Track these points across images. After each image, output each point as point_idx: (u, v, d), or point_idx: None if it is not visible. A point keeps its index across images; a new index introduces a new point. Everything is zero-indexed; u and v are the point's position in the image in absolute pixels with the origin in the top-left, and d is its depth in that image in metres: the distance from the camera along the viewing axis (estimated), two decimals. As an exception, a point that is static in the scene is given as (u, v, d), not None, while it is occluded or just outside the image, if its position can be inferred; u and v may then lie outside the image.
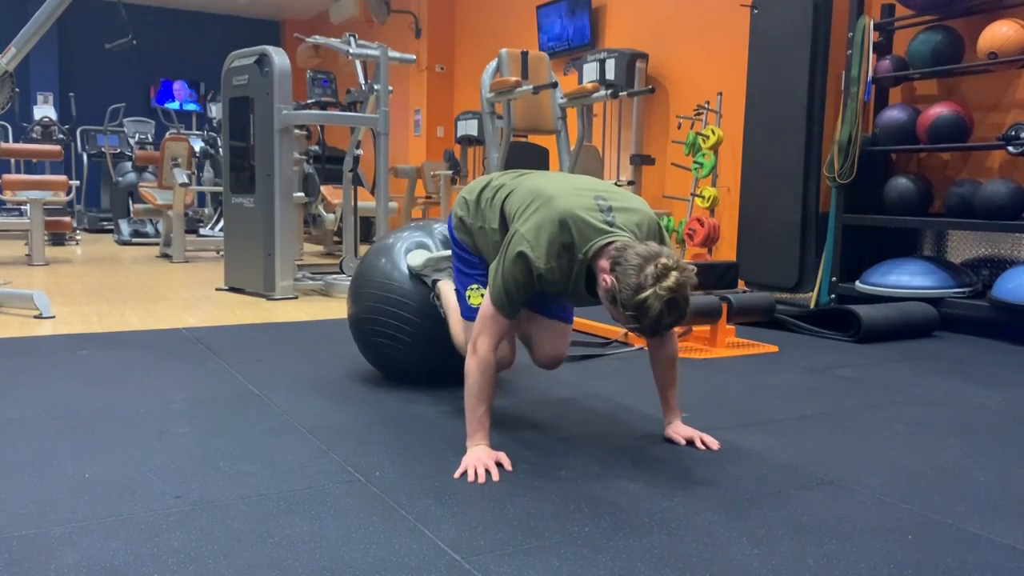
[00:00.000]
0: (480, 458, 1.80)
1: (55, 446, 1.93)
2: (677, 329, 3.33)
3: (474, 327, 1.88)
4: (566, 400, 2.47)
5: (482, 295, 2.08)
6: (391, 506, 1.60)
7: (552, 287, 1.84)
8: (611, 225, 1.79)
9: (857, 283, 4.16)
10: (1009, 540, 1.51)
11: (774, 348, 3.34)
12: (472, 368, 1.85)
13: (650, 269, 1.64)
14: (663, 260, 1.65)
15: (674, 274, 1.63)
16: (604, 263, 1.73)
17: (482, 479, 1.75)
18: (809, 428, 2.21)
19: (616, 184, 5.40)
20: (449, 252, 2.48)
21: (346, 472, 1.79)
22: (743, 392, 2.62)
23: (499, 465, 1.81)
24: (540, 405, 2.40)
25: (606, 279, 1.71)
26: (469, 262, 2.14)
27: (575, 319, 3.72)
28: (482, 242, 2.07)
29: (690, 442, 2.02)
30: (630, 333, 3.28)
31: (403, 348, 2.50)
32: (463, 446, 1.87)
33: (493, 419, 1.91)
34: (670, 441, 2.05)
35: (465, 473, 1.77)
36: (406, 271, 2.51)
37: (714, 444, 2.01)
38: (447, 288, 2.39)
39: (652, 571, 1.35)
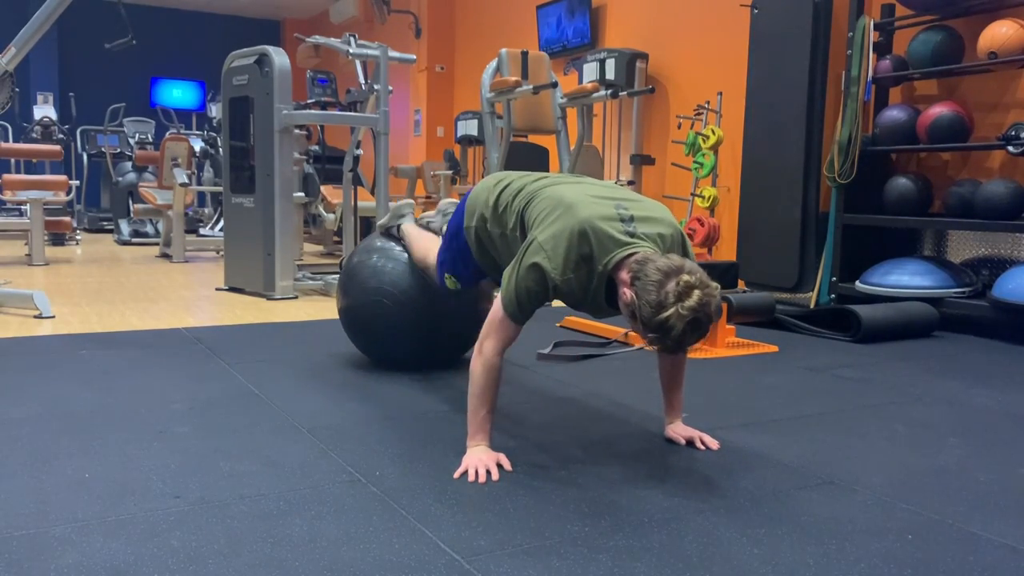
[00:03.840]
0: (480, 458, 1.80)
1: (55, 446, 1.93)
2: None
3: (482, 329, 1.88)
4: (566, 400, 2.47)
5: (456, 285, 2.31)
6: (391, 506, 1.60)
7: (569, 298, 1.82)
8: (632, 236, 1.75)
9: (857, 283, 4.16)
10: (1009, 540, 1.51)
11: (774, 348, 3.34)
12: (477, 369, 1.84)
13: (671, 286, 1.58)
14: (685, 277, 1.59)
15: (696, 293, 1.58)
16: (624, 276, 1.68)
17: (482, 479, 1.75)
18: (809, 428, 2.21)
19: (616, 184, 5.40)
20: (411, 200, 2.80)
21: (346, 472, 1.79)
22: (743, 392, 2.62)
23: (499, 466, 1.81)
24: (540, 405, 2.41)
25: (626, 292, 1.66)
26: (465, 260, 2.22)
27: (576, 319, 3.73)
28: (503, 248, 2.05)
29: (690, 442, 2.02)
30: (630, 333, 3.28)
31: (395, 334, 2.68)
32: (464, 446, 1.87)
33: (494, 418, 1.91)
34: (670, 441, 2.05)
35: (465, 473, 1.78)
36: (396, 264, 2.68)
37: (714, 444, 2.01)
38: (410, 227, 2.68)
39: (652, 571, 1.35)
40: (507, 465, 1.82)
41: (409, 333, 2.66)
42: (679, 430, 2.05)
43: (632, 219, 1.79)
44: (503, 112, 4.67)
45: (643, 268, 1.63)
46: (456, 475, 1.77)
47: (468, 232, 2.14)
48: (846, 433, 2.17)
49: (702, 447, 2.00)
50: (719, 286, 1.65)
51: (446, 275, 2.31)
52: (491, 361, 1.83)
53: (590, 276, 1.76)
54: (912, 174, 4.13)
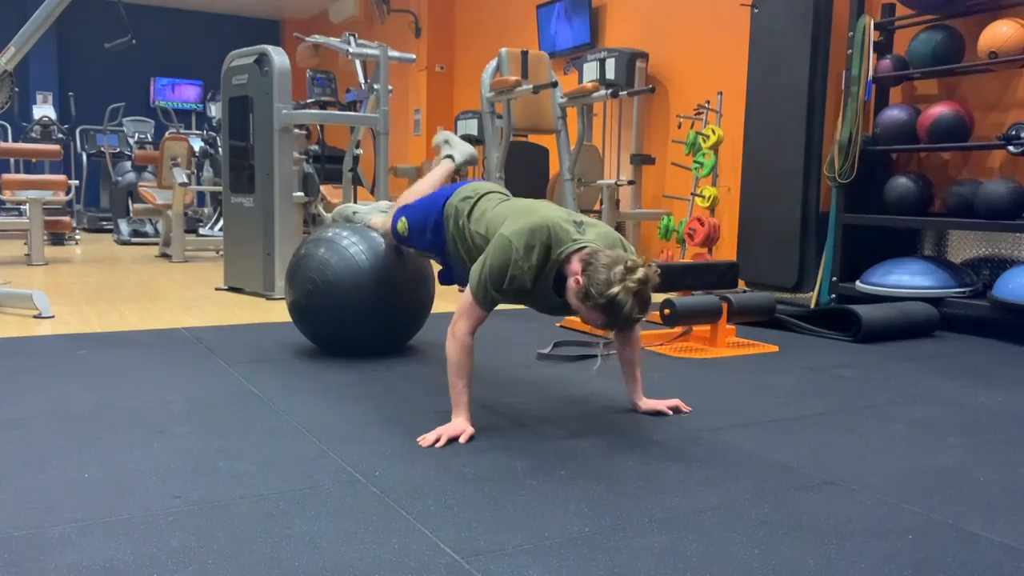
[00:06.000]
0: (452, 427, 2.00)
1: (55, 446, 1.93)
2: (677, 329, 3.39)
3: (454, 316, 2.10)
4: (566, 400, 2.47)
5: (408, 227, 2.55)
6: (391, 506, 1.60)
7: (522, 290, 2.04)
8: (583, 235, 2.04)
9: (857, 283, 4.16)
10: (1009, 540, 1.51)
11: (774, 348, 3.34)
12: (452, 349, 2.08)
13: (618, 268, 1.87)
14: (630, 260, 1.89)
15: (641, 270, 1.87)
16: (575, 266, 1.96)
17: (440, 444, 1.94)
18: (809, 428, 2.21)
19: (616, 184, 5.41)
20: (372, 207, 3.10)
21: (346, 472, 1.79)
22: (743, 392, 2.62)
23: (472, 440, 1.98)
24: (540, 405, 2.40)
25: (578, 280, 1.93)
26: (437, 233, 2.44)
27: (576, 319, 3.72)
28: (464, 245, 2.34)
29: (673, 409, 2.29)
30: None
31: (331, 318, 2.87)
32: (463, 447, 1.90)
33: (495, 417, 1.96)
34: (656, 413, 2.27)
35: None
36: (342, 255, 2.85)
37: (686, 408, 2.31)
38: (376, 219, 3.00)
39: (652, 571, 1.35)
40: (464, 439, 1.98)
41: (347, 317, 2.86)
42: (652, 403, 2.30)
43: (582, 223, 2.10)
44: (503, 112, 4.67)
45: (594, 257, 1.92)
46: (424, 443, 1.95)
47: (448, 217, 2.39)
48: (846, 433, 2.17)
49: (670, 413, 2.28)
50: (659, 269, 1.92)
51: (401, 217, 2.58)
52: (463, 340, 2.07)
53: (545, 264, 2.02)
54: (912, 174, 4.13)
